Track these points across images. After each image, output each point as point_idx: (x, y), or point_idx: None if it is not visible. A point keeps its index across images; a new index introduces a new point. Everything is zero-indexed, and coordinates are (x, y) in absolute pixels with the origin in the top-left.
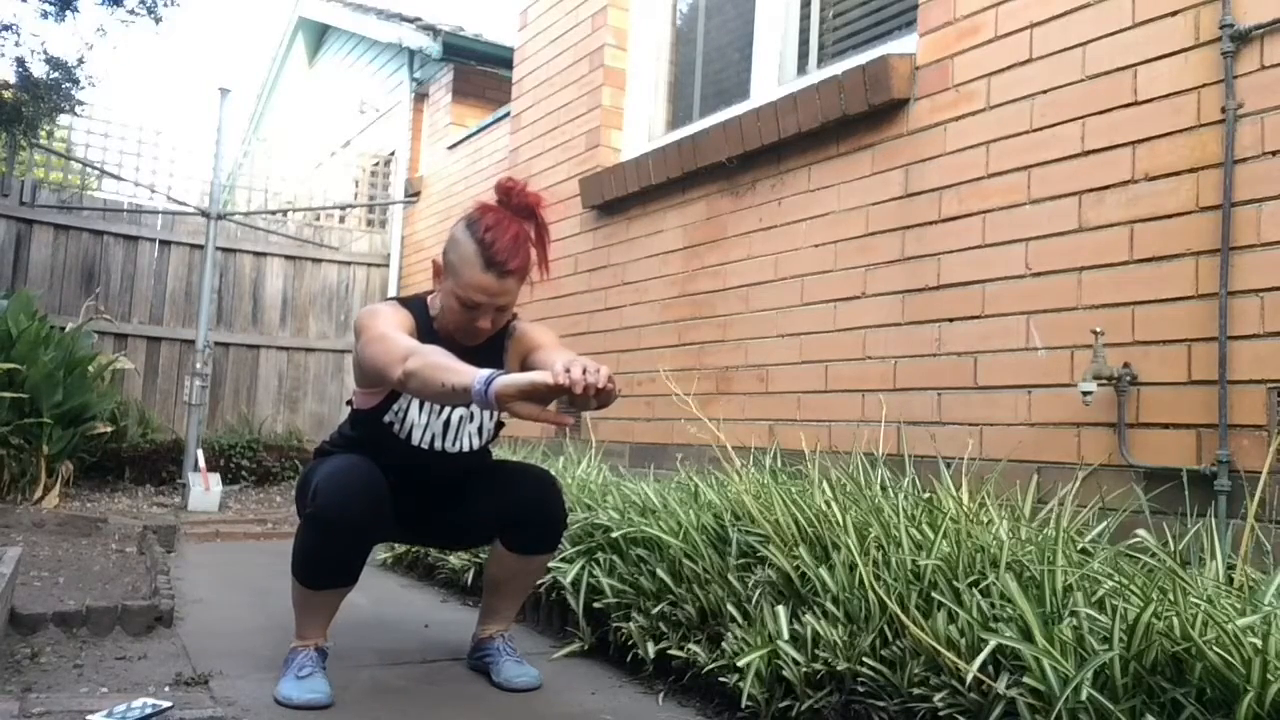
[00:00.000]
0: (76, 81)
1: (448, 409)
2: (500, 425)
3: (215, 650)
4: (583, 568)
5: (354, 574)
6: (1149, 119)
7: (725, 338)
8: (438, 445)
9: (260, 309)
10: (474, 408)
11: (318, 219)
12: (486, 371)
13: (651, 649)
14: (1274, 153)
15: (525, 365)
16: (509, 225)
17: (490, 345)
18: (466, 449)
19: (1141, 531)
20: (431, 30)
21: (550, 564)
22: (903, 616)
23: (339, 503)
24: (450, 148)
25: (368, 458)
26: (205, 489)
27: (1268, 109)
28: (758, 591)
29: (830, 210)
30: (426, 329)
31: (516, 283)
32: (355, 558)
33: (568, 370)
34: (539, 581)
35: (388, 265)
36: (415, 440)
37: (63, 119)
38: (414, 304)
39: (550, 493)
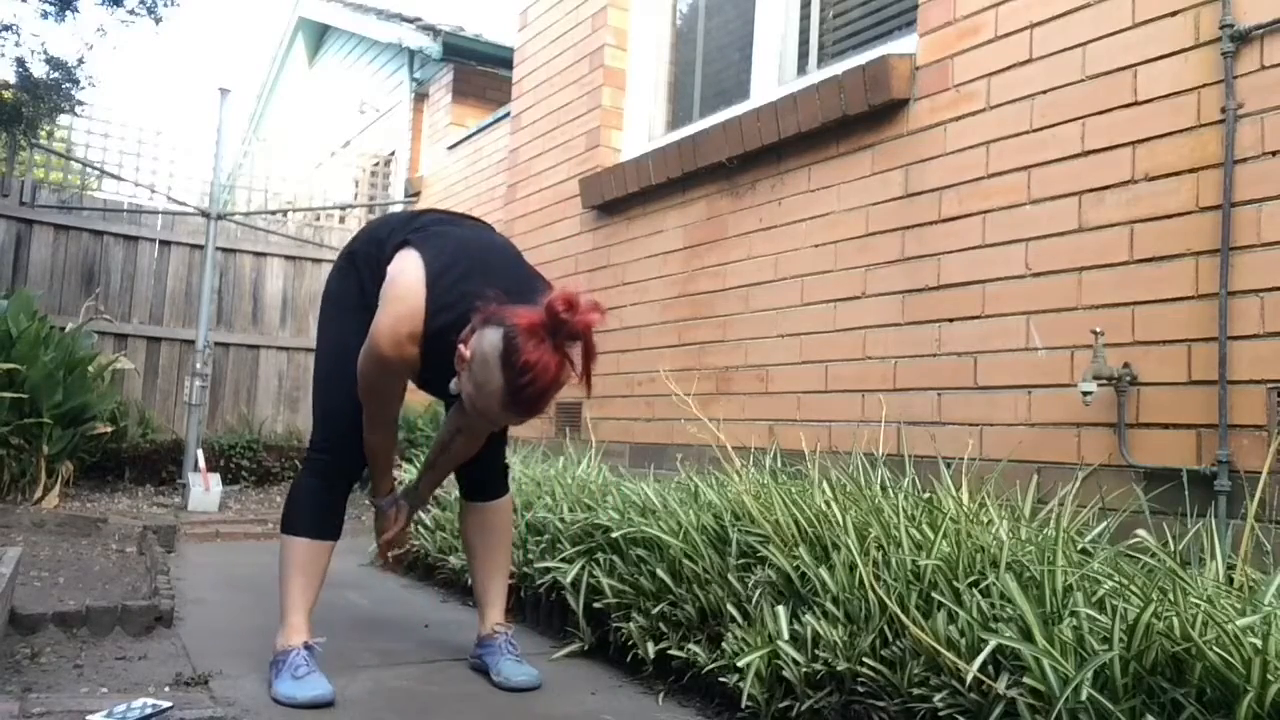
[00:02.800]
0: (76, 81)
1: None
2: None
3: (215, 650)
4: (583, 568)
5: (338, 522)
6: (1149, 119)
7: (725, 338)
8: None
9: (260, 309)
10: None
11: (318, 219)
12: (389, 499)
13: (651, 649)
14: (1274, 153)
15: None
16: (548, 366)
17: None
18: None
19: (1141, 532)
20: (431, 30)
21: (550, 564)
22: (903, 617)
23: (336, 449)
24: (450, 148)
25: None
26: (205, 489)
27: (1268, 109)
28: (758, 591)
29: (830, 210)
30: (431, 335)
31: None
32: (339, 491)
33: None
34: (539, 581)
35: None
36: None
37: (63, 119)
38: (441, 290)
39: (491, 442)
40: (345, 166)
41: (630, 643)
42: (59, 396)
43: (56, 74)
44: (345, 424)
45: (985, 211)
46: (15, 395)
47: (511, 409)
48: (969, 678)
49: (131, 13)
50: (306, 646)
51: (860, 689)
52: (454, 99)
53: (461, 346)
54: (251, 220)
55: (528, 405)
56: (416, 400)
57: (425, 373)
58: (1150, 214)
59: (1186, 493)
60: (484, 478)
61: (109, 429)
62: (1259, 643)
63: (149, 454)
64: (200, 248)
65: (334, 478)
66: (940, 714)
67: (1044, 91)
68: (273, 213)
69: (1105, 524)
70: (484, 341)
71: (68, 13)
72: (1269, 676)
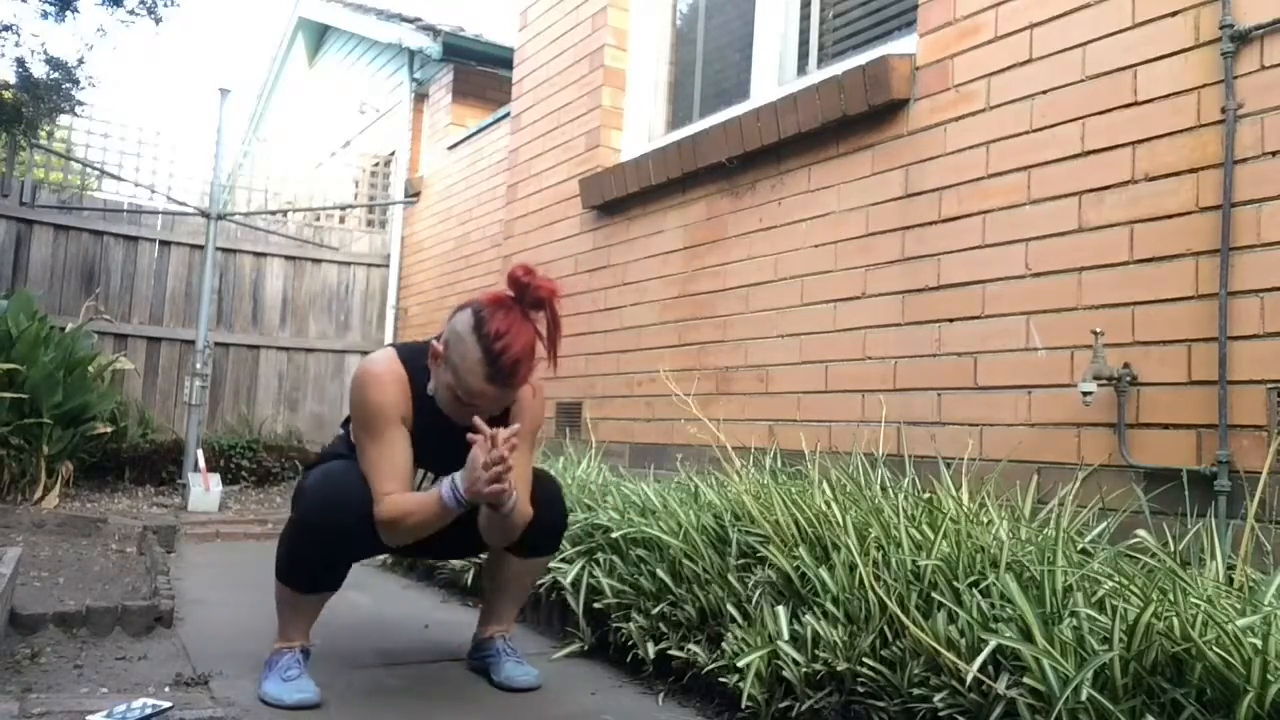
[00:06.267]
0: (76, 82)
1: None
2: None
3: (215, 650)
4: (583, 568)
5: (339, 579)
6: (1149, 119)
7: (725, 338)
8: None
9: (260, 309)
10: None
11: (318, 219)
12: (447, 488)
13: (651, 649)
14: (1274, 153)
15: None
16: (520, 331)
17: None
18: None
19: (1141, 532)
20: (431, 30)
21: (550, 564)
22: (903, 617)
23: (327, 506)
24: (450, 148)
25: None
26: (205, 489)
27: (1268, 109)
28: (758, 592)
29: (830, 210)
30: (421, 395)
31: (520, 387)
32: (341, 563)
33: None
34: (539, 582)
35: (387, 265)
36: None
37: (63, 119)
38: (416, 363)
39: (551, 495)
40: (345, 166)
41: (630, 643)
42: (59, 396)
43: (56, 74)
44: (332, 480)
45: (985, 211)
46: (15, 395)
47: (493, 380)
48: (969, 678)
49: (131, 13)
50: (303, 650)
51: (860, 689)
52: (454, 99)
53: (435, 342)
54: (251, 220)
55: (507, 372)
56: None
57: (420, 420)
58: (1150, 214)
59: (1186, 493)
60: (536, 542)
61: (109, 429)
62: (1259, 643)
63: (149, 454)
64: (200, 248)
65: (317, 537)
66: (940, 714)
67: (1044, 91)
68: (273, 213)
69: (1105, 524)
70: (456, 323)
71: (68, 13)
72: (1269, 676)
